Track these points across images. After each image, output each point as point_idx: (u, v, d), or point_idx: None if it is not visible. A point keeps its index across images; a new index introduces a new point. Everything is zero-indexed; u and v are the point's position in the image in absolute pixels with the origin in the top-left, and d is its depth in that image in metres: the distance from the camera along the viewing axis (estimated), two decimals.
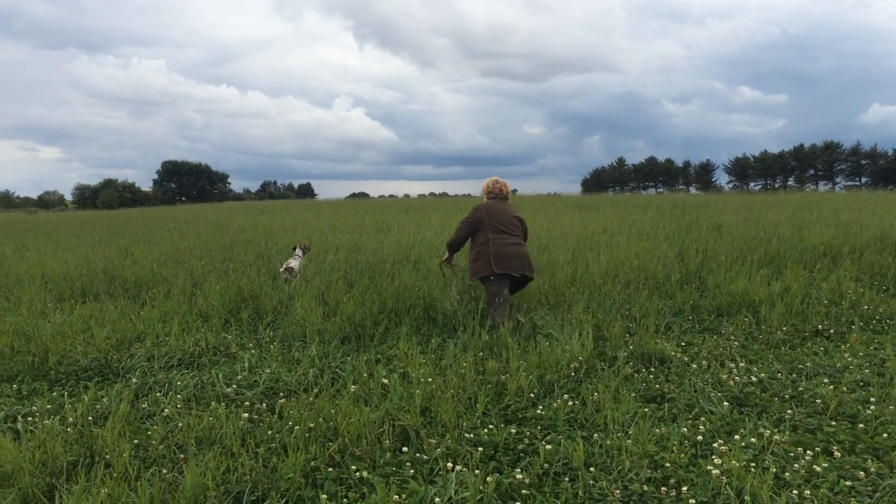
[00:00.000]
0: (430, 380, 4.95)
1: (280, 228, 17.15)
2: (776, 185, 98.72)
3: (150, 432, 4.16)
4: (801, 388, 4.87)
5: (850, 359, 5.61)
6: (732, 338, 6.42)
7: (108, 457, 3.80)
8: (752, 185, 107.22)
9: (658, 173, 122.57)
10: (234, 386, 5.06)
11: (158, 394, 4.98)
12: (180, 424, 4.22)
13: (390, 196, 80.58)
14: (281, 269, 8.74)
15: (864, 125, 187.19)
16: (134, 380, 5.25)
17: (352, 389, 4.79)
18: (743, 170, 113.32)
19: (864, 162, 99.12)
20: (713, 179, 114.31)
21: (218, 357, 5.97)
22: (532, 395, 4.84)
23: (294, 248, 9.80)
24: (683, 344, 6.23)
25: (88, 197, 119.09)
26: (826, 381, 5.03)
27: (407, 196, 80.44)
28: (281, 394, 4.94)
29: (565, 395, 4.77)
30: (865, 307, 7.28)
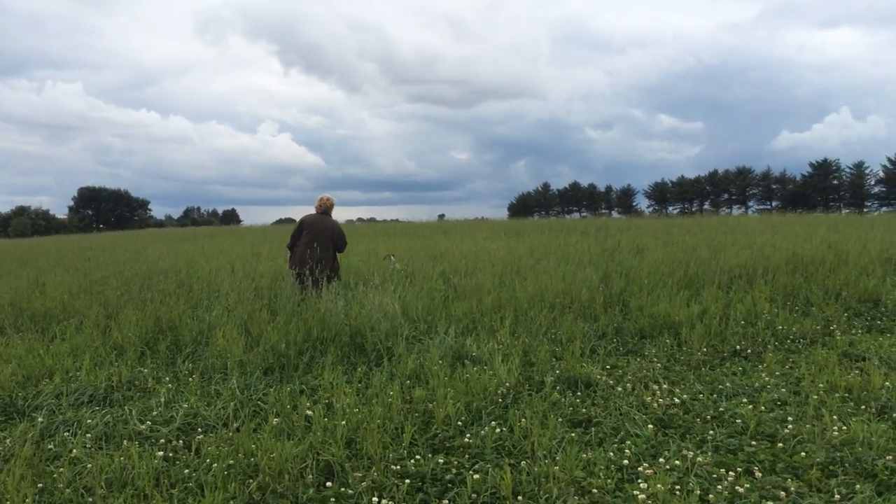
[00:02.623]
0: (355, 410, 4.83)
1: (202, 256, 16.66)
2: (693, 209, 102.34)
3: (55, 475, 3.90)
4: (721, 409, 4.97)
5: (767, 378, 5.78)
6: (655, 360, 6.54)
7: (8, 503, 3.54)
8: (670, 208, 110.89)
9: (582, 198, 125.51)
10: (149, 423, 4.82)
11: (66, 433, 4.70)
12: (89, 466, 3.98)
13: None
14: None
15: (774, 151, 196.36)
16: (40, 419, 4.94)
17: (273, 423, 4.63)
18: (662, 194, 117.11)
19: (774, 186, 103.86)
20: (634, 204, 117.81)
21: (132, 392, 5.69)
22: (460, 422, 4.78)
23: (389, 257, 12.91)
24: (609, 367, 6.30)
25: None
26: (745, 400, 5.16)
27: None
28: (199, 429, 4.72)
29: (493, 422, 4.74)
30: (780, 327, 7.54)
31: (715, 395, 5.35)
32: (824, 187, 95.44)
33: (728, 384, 5.59)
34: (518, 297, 8.54)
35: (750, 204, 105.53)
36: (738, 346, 6.90)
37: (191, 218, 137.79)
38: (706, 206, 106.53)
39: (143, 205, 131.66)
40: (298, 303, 8.09)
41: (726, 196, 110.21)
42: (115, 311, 8.24)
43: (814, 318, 8.04)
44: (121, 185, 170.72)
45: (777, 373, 5.98)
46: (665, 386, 5.56)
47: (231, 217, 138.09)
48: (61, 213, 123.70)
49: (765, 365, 6.26)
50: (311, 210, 9.47)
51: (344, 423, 4.51)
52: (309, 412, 4.82)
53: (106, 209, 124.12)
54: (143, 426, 4.75)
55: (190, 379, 5.94)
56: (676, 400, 5.16)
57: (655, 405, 5.05)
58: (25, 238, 67.71)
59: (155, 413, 5.00)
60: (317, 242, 8.97)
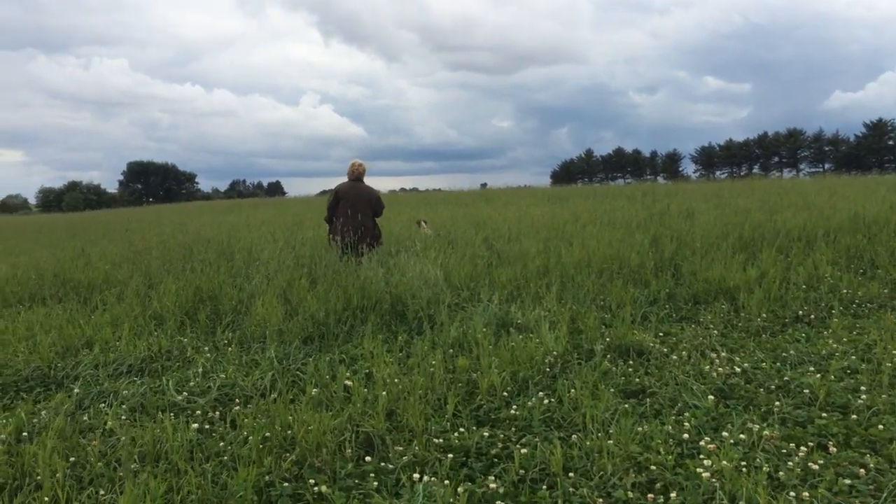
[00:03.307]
0: (395, 380, 4.63)
1: (244, 226, 16.69)
2: (742, 173, 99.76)
3: (88, 448, 3.79)
4: (786, 378, 4.63)
5: (834, 345, 5.40)
6: (711, 326, 6.20)
7: (38, 478, 3.43)
8: (718, 173, 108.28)
9: (626, 164, 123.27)
10: (186, 393, 4.69)
11: (102, 405, 4.60)
12: (122, 439, 3.85)
13: None
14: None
15: (826, 112, 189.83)
16: (76, 390, 4.85)
17: (312, 394, 4.45)
18: (709, 159, 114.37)
19: (826, 148, 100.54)
20: (680, 169, 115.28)
21: (171, 362, 5.59)
22: (505, 393, 4.55)
23: (419, 223, 12.57)
24: (662, 334, 5.98)
25: (53, 200, 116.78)
26: (812, 369, 4.80)
27: None
28: (236, 400, 4.58)
29: (540, 393, 4.49)
30: (844, 291, 7.11)
31: (778, 364, 5.01)
32: (879, 148, 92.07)
33: (792, 352, 5.24)
34: (564, 263, 8.24)
35: (801, 167, 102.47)
36: (800, 312, 6.50)
37: (237, 190, 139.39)
38: (755, 170, 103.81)
39: (190, 178, 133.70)
40: (339, 271, 7.88)
41: (776, 159, 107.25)
42: (157, 281, 8.18)
43: (880, 281, 7.56)
44: (169, 159, 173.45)
45: (845, 339, 5.59)
46: (724, 354, 5.23)
47: (276, 189, 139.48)
48: (112, 187, 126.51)
49: (830, 331, 5.86)
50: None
51: (384, 393, 4.32)
52: (348, 382, 4.64)
53: (154, 183, 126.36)
54: (180, 397, 4.62)
55: (229, 349, 5.83)
56: (737, 369, 4.83)
57: (714, 374, 4.73)
58: (78, 212, 69.43)
59: (192, 384, 4.88)
60: (355, 210, 8.76)
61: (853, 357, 5.05)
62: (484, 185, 55.78)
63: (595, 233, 10.40)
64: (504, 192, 31.87)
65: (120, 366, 5.45)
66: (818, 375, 4.58)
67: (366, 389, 4.49)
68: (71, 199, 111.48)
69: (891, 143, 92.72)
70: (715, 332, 5.98)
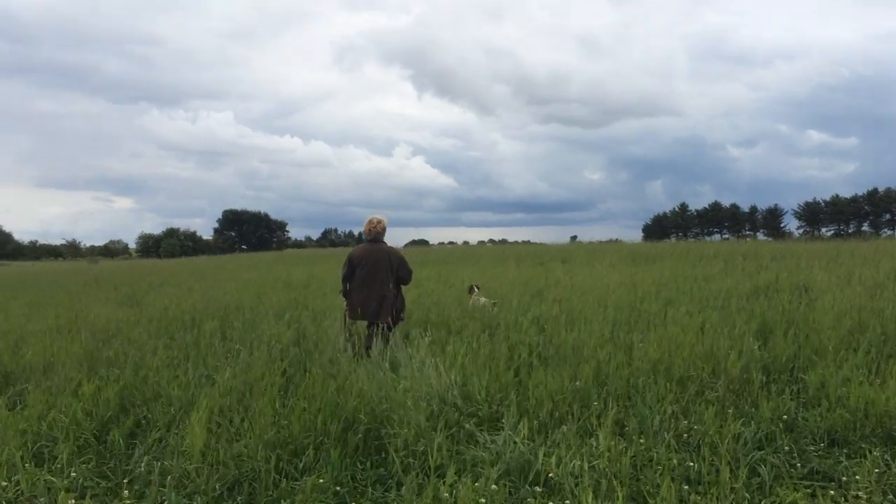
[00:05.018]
0: None
1: (283, 286, 15.06)
2: (849, 231, 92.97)
3: None
4: None
5: None
6: (861, 496, 3.81)
7: None
8: (823, 230, 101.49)
9: (723, 218, 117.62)
10: None
11: None
12: None
13: (450, 243, 79.18)
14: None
15: None
16: None
17: None
18: (814, 215, 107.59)
19: None
20: (782, 225, 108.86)
21: None
22: None
23: (472, 289, 11.23)
24: None
25: (151, 246, 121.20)
26: None
27: (466, 243, 78.84)
28: None
29: None
30: None
31: None
32: None
33: None
34: (635, 366, 5.95)
35: None
36: None
37: (329, 239, 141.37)
38: (865, 227, 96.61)
39: (281, 226, 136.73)
40: (338, 363, 6.10)
41: (888, 216, 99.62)
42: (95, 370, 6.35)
43: None
44: (268, 208, 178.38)
45: None
46: None
47: None
48: (208, 234, 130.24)
49: None
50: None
51: None
52: None
53: (248, 231, 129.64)
54: None
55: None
56: None
57: None
58: (174, 258, 71.04)
59: None
60: (373, 277, 7.19)
61: None
62: (574, 237, 53.66)
63: (681, 316, 7.99)
64: (587, 248, 29.39)
65: None
66: None
67: None
68: (168, 244, 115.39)
69: None
70: None
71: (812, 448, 4.61)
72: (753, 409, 5.14)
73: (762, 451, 4.44)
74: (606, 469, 3.99)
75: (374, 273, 7.17)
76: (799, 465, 4.35)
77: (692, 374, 5.73)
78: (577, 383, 5.47)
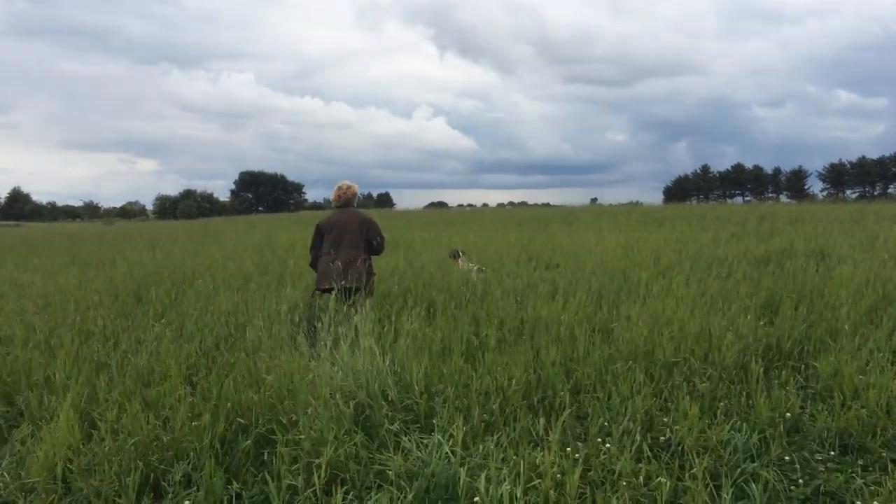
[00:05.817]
0: None
1: (281, 248, 14.25)
2: (875, 193, 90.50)
3: None
4: None
5: None
6: None
7: None
8: (848, 192, 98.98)
9: (745, 180, 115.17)
10: None
11: None
12: None
13: (469, 205, 77.81)
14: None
15: None
16: None
17: None
18: (838, 177, 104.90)
19: None
20: (806, 187, 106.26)
21: None
22: None
23: (456, 255, 10.26)
24: None
25: (168, 207, 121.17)
26: None
27: (485, 205, 77.31)
28: None
29: None
30: None
31: None
32: None
33: None
34: (616, 345, 5.05)
35: None
36: None
37: None
38: (891, 189, 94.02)
39: (297, 188, 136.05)
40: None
41: None
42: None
43: None
44: (287, 170, 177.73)
45: None
46: None
47: (385, 201, 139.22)
48: (227, 196, 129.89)
49: None
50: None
51: None
52: None
53: (264, 192, 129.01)
54: None
55: None
56: None
57: None
58: (191, 219, 70.57)
59: None
60: (339, 243, 6.67)
61: None
62: (594, 199, 52.35)
63: (675, 286, 7.03)
64: (596, 211, 28.29)
65: None
66: None
67: None
68: (185, 206, 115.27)
69: None
70: None
71: (819, 457, 3.70)
72: (749, 405, 4.23)
73: (754, 464, 3.54)
74: (551, 493, 3.11)
75: (342, 236, 6.65)
76: (801, 481, 3.45)
77: (677, 358, 4.80)
78: (539, 372, 4.58)
